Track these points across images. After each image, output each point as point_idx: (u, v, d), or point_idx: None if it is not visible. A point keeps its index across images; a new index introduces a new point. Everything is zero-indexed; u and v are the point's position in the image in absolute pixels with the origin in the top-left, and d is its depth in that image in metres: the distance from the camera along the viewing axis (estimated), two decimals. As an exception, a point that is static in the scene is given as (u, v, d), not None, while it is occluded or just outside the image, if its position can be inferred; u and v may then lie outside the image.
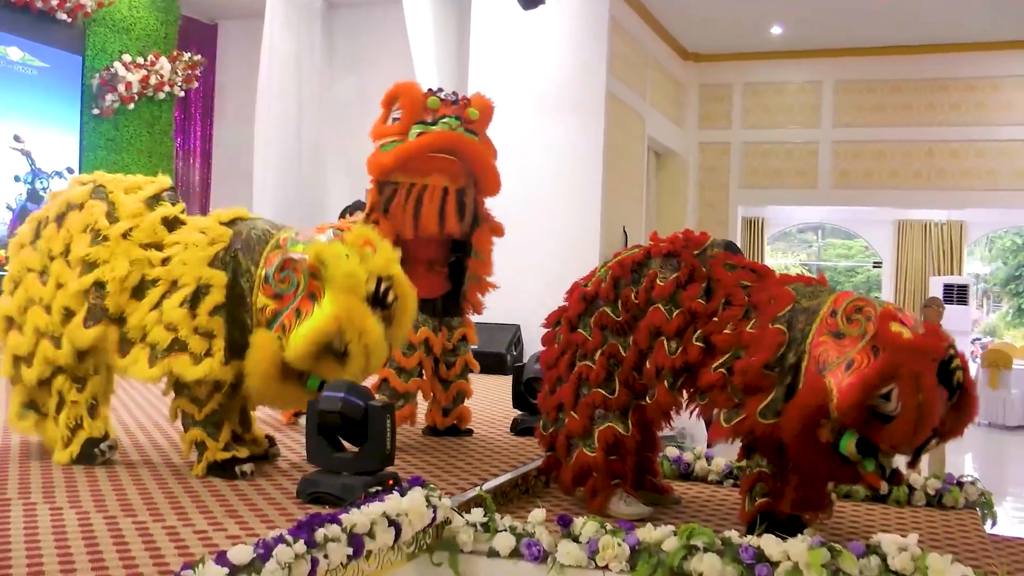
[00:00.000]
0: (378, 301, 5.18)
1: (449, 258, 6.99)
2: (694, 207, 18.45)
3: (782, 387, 4.46)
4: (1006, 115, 16.75)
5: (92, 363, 5.61)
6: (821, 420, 4.26)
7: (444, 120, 6.54)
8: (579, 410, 5.19)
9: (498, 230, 7.00)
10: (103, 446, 5.53)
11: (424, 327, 6.76)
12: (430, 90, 6.76)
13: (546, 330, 5.66)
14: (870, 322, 4.30)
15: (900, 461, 4.59)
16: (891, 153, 17.38)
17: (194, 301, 5.32)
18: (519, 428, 7.34)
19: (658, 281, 5.02)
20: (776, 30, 16.33)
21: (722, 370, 4.69)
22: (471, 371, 7.28)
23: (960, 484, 5.96)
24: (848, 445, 4.25)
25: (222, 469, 5.37)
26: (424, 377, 6.93)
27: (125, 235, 5.48)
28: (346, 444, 5.01)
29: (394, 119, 6.56)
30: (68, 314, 5.45)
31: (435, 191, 6.47)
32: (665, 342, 4.93)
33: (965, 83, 17.01)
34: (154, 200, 5.69)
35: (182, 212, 5.75)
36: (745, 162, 18.35)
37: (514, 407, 7.61)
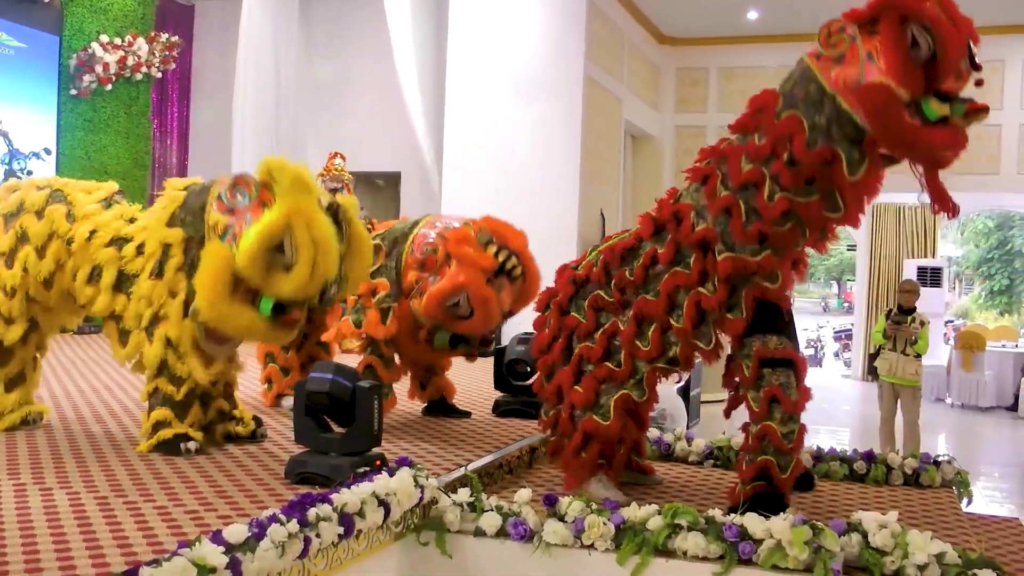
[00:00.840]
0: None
1: None
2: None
3: None
4: (980, 99, 16.83)
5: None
6: None
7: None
8: (584, 383, 5.16)
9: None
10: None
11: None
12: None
13: (534, 314, 5.68)
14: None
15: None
16: (866, 136, 17.49)
17: (160, 267, 5.42)
18: (501, 409, 7.41)
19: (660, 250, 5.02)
20: (752, 15, 16.39)
21: None
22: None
23: (937, 463, 6.06)
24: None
25: (167, 445, 5.41)
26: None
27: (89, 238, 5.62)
28: (333, 425, 5.07)
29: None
30: None
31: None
32: (702, 287, 4.89)
33: (940, 67, 17.10)
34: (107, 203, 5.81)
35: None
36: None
37: (496, 388, 7.65)
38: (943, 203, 4.66)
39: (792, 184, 4.55)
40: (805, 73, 4.58)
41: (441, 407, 7.25)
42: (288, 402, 7.14)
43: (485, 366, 8.01)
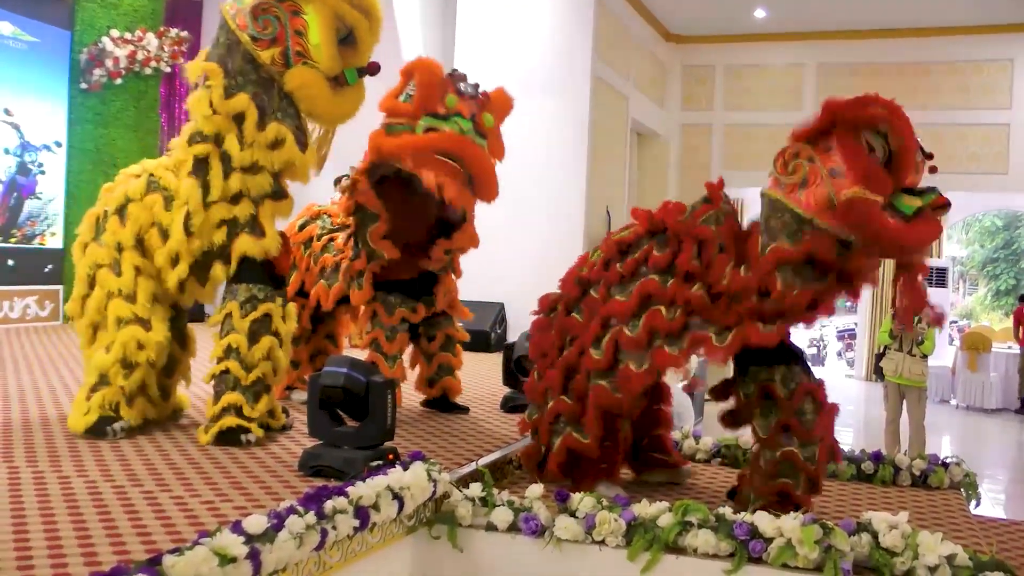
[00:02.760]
0: None
1: (427, 242, 6.98)
2: (675, 188, 18.55)
3: None
4: (988, 99, 16.89)
5: None
6: None
7: (456, 118, 6.38)
8: (571, 392, 5.18)
9: (474, 240, 7.06)
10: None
11: (402, 308, 6.89)
12: (451, 74, 6.60)
13: (536, 315, 5.70)
14: None
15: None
16: (873, 136, 17.53)
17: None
18: (509, 405, 7.45)
19: (655, 252, 5.06)
20: (760, 13, 16.43)
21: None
22: (457, 342, 7.40)
23: (945, 465, 6.09)
24: None
25: (226, 436, 5.51)
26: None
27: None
28: (346, 418, 5.11)
29: (408, 95, 6.42)
30: None
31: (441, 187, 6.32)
32: (733, 268, 4.85)
33: (948, 67, 17.14)
34: None
35: None
36: (727, 144, 18.45)
37: (504, 384, 7.69)
38: (920, 305, 4.83)
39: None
40: (774, 205, 4.72)
41: (441, 403, 7.27)
42: (298, 395, 7.20)
43: (494, 362, 8.05)
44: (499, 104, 6.81)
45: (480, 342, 11.92)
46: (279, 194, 5.80)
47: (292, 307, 6.00)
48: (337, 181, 8.01)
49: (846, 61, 17.60)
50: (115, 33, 13.13)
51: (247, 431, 5.53)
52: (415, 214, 6.88)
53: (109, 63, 12.97)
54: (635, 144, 17.18)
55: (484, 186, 6.49)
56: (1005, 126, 16.76)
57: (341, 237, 7.12)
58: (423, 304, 7.04)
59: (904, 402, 9.96)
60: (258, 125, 5.57)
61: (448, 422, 6.85)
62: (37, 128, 12.33)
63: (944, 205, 4.59)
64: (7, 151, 11.99)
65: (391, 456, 4.84)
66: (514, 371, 7.58)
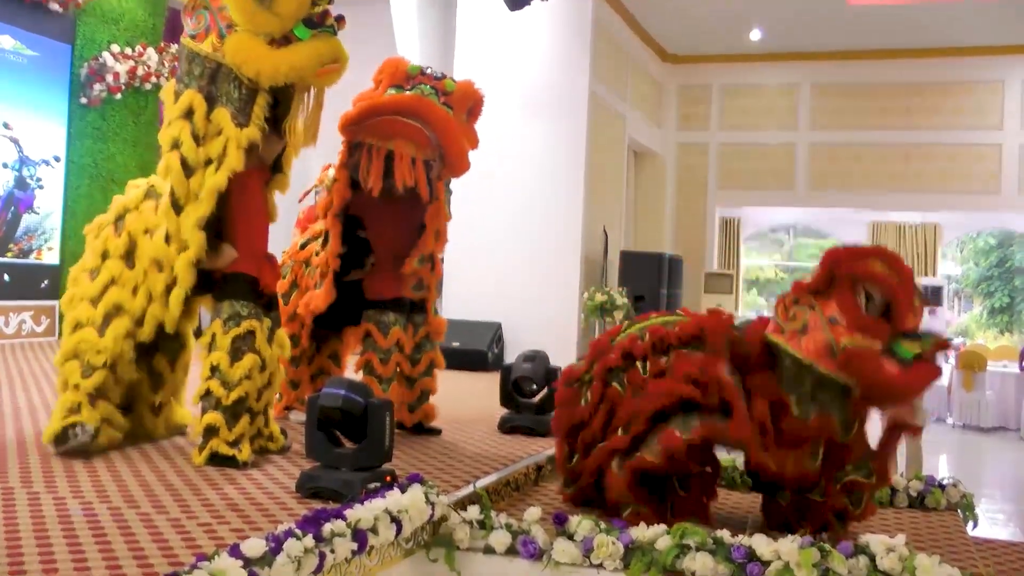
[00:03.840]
0: None
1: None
2: (672, 207, 18.61)
3: None
4: (981, 119, 16.97)
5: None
6: None
7: (418, 87, 6.52)
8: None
9: (443, 235, 6.98)
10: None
11: (395, 327, 6.81)
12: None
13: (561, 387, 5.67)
14: None
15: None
16: (867, 156, 17.59)
17: None
18: (507, 426, 7.44)
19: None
20: (755, 34, 16.50)
21: None
22: (437, 368, 7.25)
23: (942, 486, 6.10)
24: None
25: (222, 461, 5.50)
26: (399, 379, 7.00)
27: None
28: (344, 440, 5.11)
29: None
30: None
31: (403, 158, 6.40)
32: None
33: (940, 87, 17.22)
34: None
35: None
36: (723, 163, 18.51)
37: (502, 405, 7.68)
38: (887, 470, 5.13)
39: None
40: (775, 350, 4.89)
41: (418, 428, 7.14)
42: (296, 416, 7.19)
43: (490, 381, 8.04)
44: (465, 94, 6.79)
45: (477, 361, 11.94)
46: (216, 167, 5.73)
47: (283, 333, 6.01)
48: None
49: (840, 81, 17.70)
50: (116, 48, 13.14)
51: (233, 458, 5.49)
52: (399, 221, 6.87)
53: (109, 78, 12.97)
54: (632, 163, 17.22)
55: (450, 150, 6.54)
56: (997, 146, 16.84)
57: None
58: (411, 324, 7.01)
59: (900, 422, 9.94)
60: (207, 116, 5.60)
61: (445, 443, 6.85)
62: (36, 142, 12.32)
63: (945, 346, 4.81)
64: (5, 165, 11.96)
65: (389, 478, 4.83)
66: (512, 392, 7.58)
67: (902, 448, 9.98)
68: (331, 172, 11.91)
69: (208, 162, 5.61)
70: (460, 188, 13.47)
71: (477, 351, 12.05)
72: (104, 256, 5.82)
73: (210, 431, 5.55)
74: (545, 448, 6.80)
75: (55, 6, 12.38)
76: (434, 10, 14.36)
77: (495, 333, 12.51)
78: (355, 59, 6.79)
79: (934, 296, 17.74)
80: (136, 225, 5.81)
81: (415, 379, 7.09)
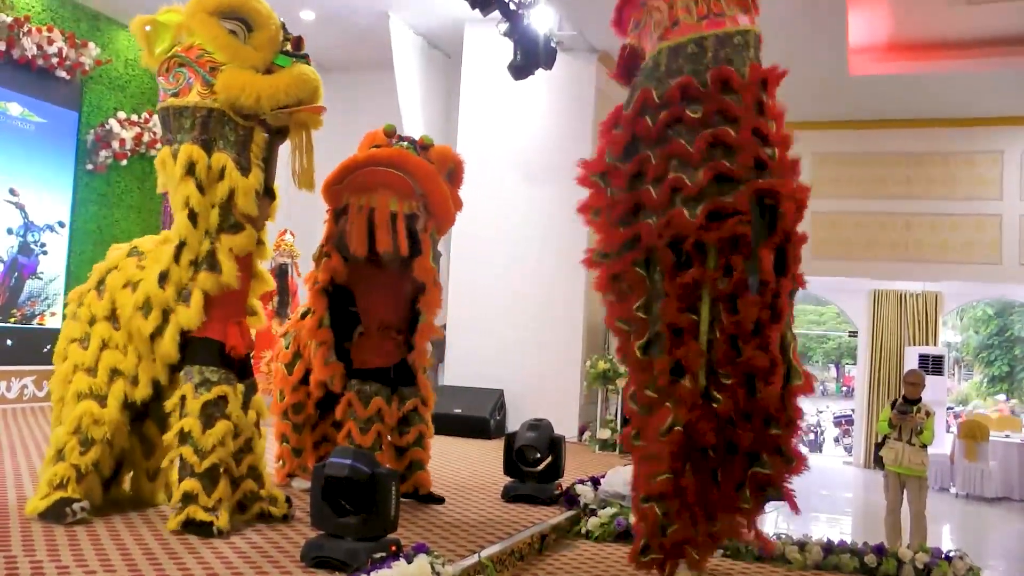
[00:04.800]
0: None
1: (405, 325, 6.96)
2: (674, 274, 18.61)
3: None
4: (982, 189, 17.01)
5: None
6: None
7: (398, 144, 6.69)
8: None
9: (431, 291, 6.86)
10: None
11: (377, 397, 6.75)
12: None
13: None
14: None
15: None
16: (869, 224, 17.62)
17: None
18: (511, 495, 7.41)
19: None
20: (757, 102, 16.59)
21: None
22: (426, 438, 7.17)
23: (948, 558, 6.06)
24: None
25: (198, 528, 5.43)
26: (383, 449, 6.88)
27: None
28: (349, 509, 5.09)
29: None
30: None
31: (383, 211, 6.43)
32: None
33: (939, 158, 17.29)
34: None
35: None
36: (724, 230, 18.52)
37: (505, 474, 7.66)
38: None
39: None
40: None
41: (413, 496, 7.05)
42: (299, 483, 7.17)
43: (492, 449, 8.02)
44: (444, 155, 6.98)
45: (479, 428, 11.90)
46: (235, 227, 5.79)
47: (259, 398, 6.01)
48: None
49: (841, 150, 17.74)
50: (122, 115, 13.28)
51: (210, 524, 5.42)
52: (388, 290, 6.87)
53: (115, 144, 13.10)
54: (633, 230, 17.24)
55: (433, 197, 6.59)
56: (997, 216, 16.87)
57: None
58: (399, 396, 6.96)
59: (905, 491, 9.91)
60: (208, 164, 5.67)
61: (449, 512, 6.82)
62: (41, 208, 12.39)
63: None
64: (10, 231, 12.02)
65: (394, 548, 4.82)
66: (516, 461, 7.56)
67: (906, 518, 9.97)
68: (287, 237, 12.12)
69: (212, 206, 5.69)
70: (463, 253, 13.63)
71: (479, 418, 12.01)
72: (91, 321, 5.83)
73: (188, 498, 5.50)
74: (548, 517, 6.78)
75: (62, 73, 12.52)
76: (438, 77, 14.50)
77: (497, 400, 12.47)
78: (360, 125, 6.92)
79: (935, 365, 17.69)
80: (116, 282, 5.83)
81: (404, 449, 7.04)
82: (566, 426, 11.63)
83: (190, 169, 5.65)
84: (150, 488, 6.27)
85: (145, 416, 6.09)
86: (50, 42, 12.31)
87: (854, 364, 23.37)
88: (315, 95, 5.89)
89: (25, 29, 12.02)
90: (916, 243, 17.31)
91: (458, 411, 11.91)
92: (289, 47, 5.83)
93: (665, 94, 5.07)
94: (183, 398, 5.66)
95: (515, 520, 6.59)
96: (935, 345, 18.45)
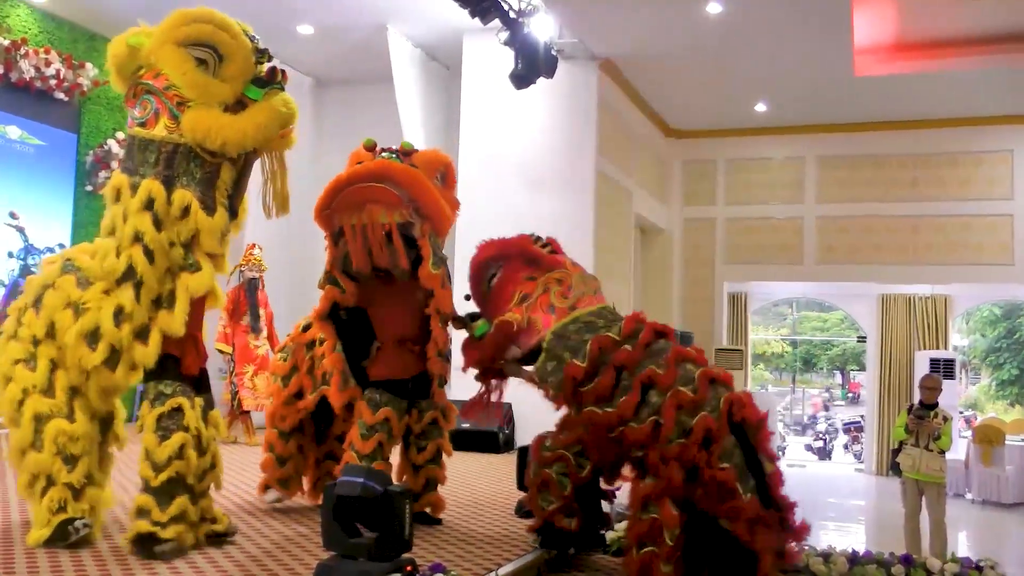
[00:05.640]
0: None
1: (422, 336, 6.75)
2: (680, 283, 18.49)
3: None
4: (990, 190, 16.88)
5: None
6: None
7: (378, 156, 6.54)
8: None
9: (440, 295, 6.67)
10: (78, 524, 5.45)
11: (387, 407, 6.53)
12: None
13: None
14: None
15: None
16: (876, 228, 17.48)
17: None
18: (524, 510, 7.25)
19: None
20: (760, 107, 16.50)
21: None
22: (444, 456, 7.01)
23: (979, 568, 5.92)
24: None
25: (140, 543, 5.27)
26: (385, 460, 6.59)
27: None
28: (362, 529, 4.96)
29: None
30: None
31: (376, 227, 6.30)
32: None
33: (948, 158, 17.15)
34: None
35: None
36: (730, 238, 18.43)
37: (519, 488, 7.51)
38: None
39: None
40: None
41: (419, 517, 6.74)
42: (271, 495, 7.07)
43: (503, 462, 7.90)
44: (430, 158, 6.85)
45: (488, 442, 11.78)
46: (193, 266, 5.60)
47: (216, 413, 5.85)
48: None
49: (847, 153, 17.63)
50: (121, 135, 13.18)
51: (160, 541, 5.25)
52: (399, 303, 6.74)
53: (115, 165, 12.99)
54: (638, 239, 17.15)
55: (424, 200, 6.43)
56: (1008, 216, 16.72)
57: None
58: (416, 409, 6.79)
59: (923, 498, 9.76)
60: (168, 201, 5.47)
61: (463, 529, 6.69)
62: (42, 231, 12.28)
63: None
64: (11, 255, 11.92)
65: (409, 568, 4.68)
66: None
67: (924, 526, 9.82)
68: (256, 251, 12.04)
69: (171, 244, 5.50)
70: (467, 263, 13.43)
71: (488, 432, 11.87)
72: (35, 342, 5.65)
73: (140, 512, 5.35)
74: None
75: (60, 95, 12.45)
76: (437, 89, 14.41)
77: (506, 413, 12.33)
78: (359, 139, 6.79)
79: (947, 369, 17.52)
80: (55, 302, 5.65)
81: (420, 466, 6.84)
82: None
83: (148, 205, 5.44)
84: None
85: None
86: (47, 64, 12.23)
87: (860, 370, 23.22)
88: (286, 125, 5.70)
89: (22, 52, 11.93)
90: (925, 246, 17.18)
91: (466, 425, 11.75)
92: (263, 73, 5.62)
93: None
94: (143, 418, 5.53)
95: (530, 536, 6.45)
96: (945, 349, 18.29)
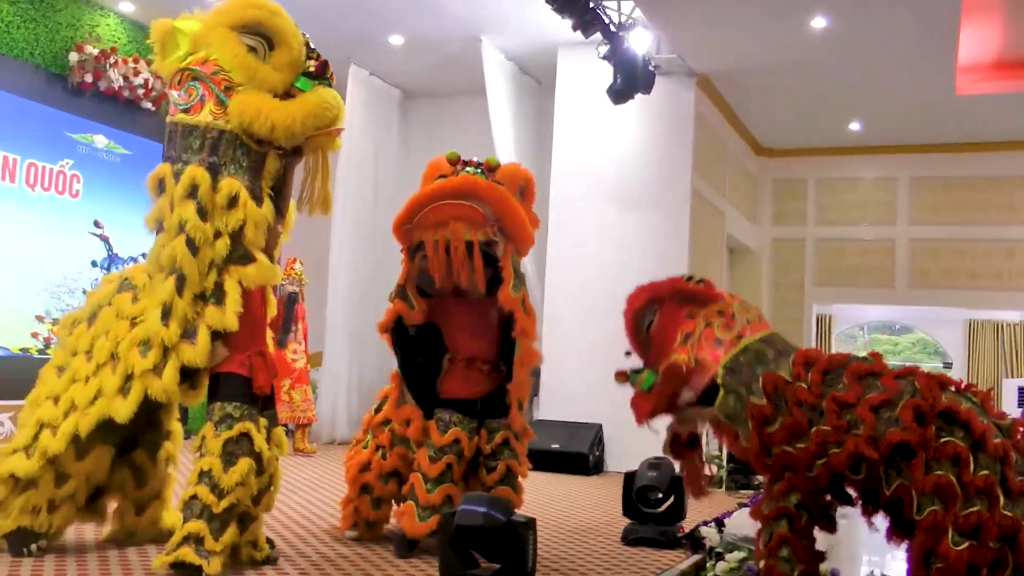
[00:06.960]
0: None
1: (494, 354, 6.50)
2: (768, 304, 18.04)
3: None
4: (1014, 216, 16.35)
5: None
6: None
7: (463, 171, 6.32)
8: None
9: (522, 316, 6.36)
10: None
11: (456, 428, 6.18)
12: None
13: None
14: None
15: None
16: (971, 252, 16.95)
17: None
18: (631, 538, 6.94)
19: None
20: (854, 126, 16.07)
21: None
22: (517, 477, 6.52)
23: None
24: None
25: (180, 569, 4.95)
26: (455, 481, 6.15)
27: None
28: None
29: None
30: None
31: (459, 245, 6.06)
32: None
33: (1047, 181, 16.63)
34: None
35: None
36: (819, 259, 17.97)
37: (624, 515, 7.20)
38: None
39: None
40: None
41: None
42: (350, 532, 6.68)
43: (595, 486, 7.57)
44: (513, 173, 6.55)
45: (578, 464, 11.49)
46: (244, 258, 5.34)
47: (280, 431, 5.56)
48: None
49: (941, 175, 17.13)
50: (207, 145, 13.12)
51: (199, 569, 4.92)
52: (473, 321, 6.52)
53: (201, 176, 12.93)
54: (726, 259, 16.77)
55: (509, 220, 6.20)
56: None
57: None
58: (487, 430, 6.40)
59: None
60: (213, 188, 5.24)
61: (572, 557, 6.33)
62: (126, 240, 12.20)
63: None
64: (94, 264, 11.87)
65: (533, 603, 4.38)
66: (635, 501, 7.10)
67: None
68: (297, 266, 11.87)
69: (217, 235, 5.25)
70: (558, 282, 13.21)
71: (578, 453, 11.57)
72: (73, 353, 5.49)
73: (189, 538, 4.99)
74: (676, 562, 6.33)
75: (148, 104, 12.39)
76: (529, 103, 14.10)
77: (596, 435, 12.00)
78: (446, 150, 6.57)
79: (1022, 398, 16.93)
80: (108, 319, 5.46)
81: (490, 487, 6.31)
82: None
83: (191, 192, 5.21)
84: (134, 521, 5.85)
85: (135, 445, 5.77)
86: (136, 73, 12.20)
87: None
88: (334, 123, 5.51)
89: (112, 61, 11.89)
90: (1020, 271, 16.61)
91: (555, 446, 11.49)
92: (312, 67, 5.49)
93: None
94: (203, 437, 5.25)
95: (642, 566, 6.11)
96: (1021, 377, 17.71)
